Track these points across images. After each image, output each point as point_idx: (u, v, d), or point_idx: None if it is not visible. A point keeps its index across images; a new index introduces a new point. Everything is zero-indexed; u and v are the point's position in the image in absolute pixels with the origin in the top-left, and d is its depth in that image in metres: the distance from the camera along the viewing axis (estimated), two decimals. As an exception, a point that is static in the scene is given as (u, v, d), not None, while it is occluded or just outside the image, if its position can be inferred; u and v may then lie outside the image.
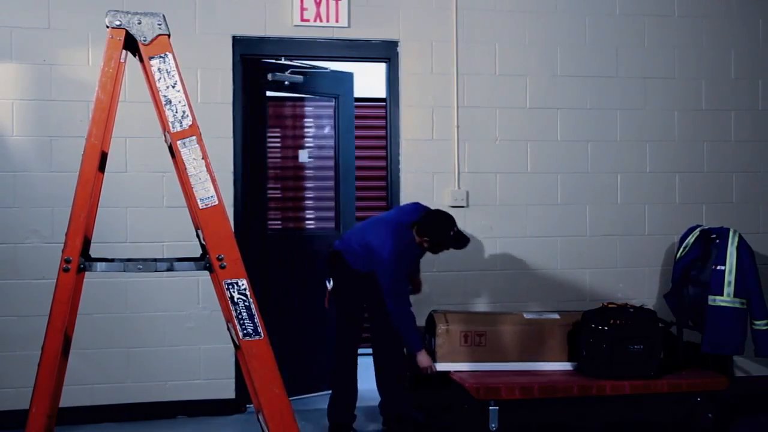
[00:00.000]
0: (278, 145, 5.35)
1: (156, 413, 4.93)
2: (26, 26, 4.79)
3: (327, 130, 5.48)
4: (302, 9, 5.05)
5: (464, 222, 5.23)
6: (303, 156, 5.34)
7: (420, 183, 5.22)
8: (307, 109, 5.48)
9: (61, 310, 2.26)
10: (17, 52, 4.78)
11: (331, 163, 5.48)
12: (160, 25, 2.36)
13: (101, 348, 4.84)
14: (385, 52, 5.21)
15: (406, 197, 5.19)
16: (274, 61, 5.17)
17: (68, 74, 4.84)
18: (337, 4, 5.08)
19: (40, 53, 4.81)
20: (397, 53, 5.21)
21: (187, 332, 4.96)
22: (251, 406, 4.72)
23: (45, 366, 2.25)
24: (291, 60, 5.17)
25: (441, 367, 4.66)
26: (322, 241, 5.28)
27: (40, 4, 4.80)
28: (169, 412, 4.96)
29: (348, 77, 5.53)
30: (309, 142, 5.44)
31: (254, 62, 5.12)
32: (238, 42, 5.04)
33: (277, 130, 5.38)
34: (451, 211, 5.15)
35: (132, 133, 4.78)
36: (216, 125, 4.92)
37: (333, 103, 5.42)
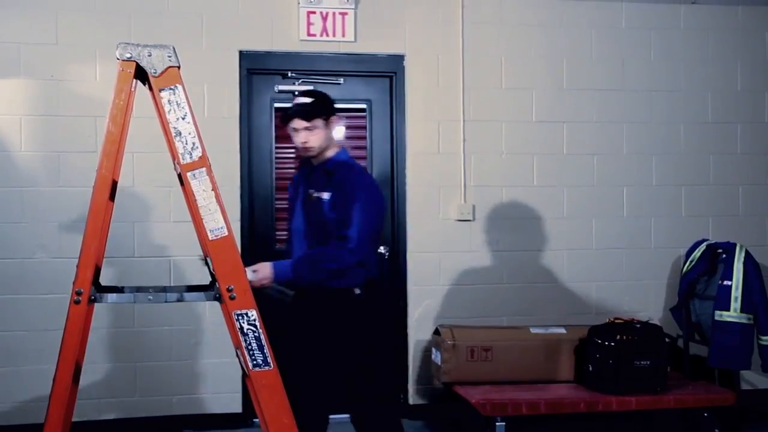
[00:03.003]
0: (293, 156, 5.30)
1: (163, 427, 4.94)
2: (34, 42, 4.80)
3: (354, 139, 5.35)
4: (308, 24, 5.06)
5: (471, 235, 5.25)
6: None
7: (426, 196, 5.23)
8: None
9: (72, 341, 2.28)
10: (25, 68, 4.80)
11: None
12: (170, 57, 2.38)
13: (108, 363, 4.86)
14: (391, 65, 5.22)
15: (411, 211, 5.21)
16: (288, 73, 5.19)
17: (76, 89, 4.85)
18: (343, 18, 5.09)
19: (48, 69, 4.82)
20: (403, 67, 5.22)
21: (193, 347, 4.98)
22: (257, 420, 4.73)
23: (56, 397, 2.27)
24: (297, 74, 5.17)
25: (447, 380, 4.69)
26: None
27: (48, 21, 4.82)
28: (176, 427, 4.96)
29: (381, 81, 5.32)
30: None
31: (261, 75, 5.14)
32: (244, 56, 5.06)
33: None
34: (458, 225, 5.22)
35: (139, 148, 4.76)
36: (223, 139, 4.94)
37: (365, 110, 5.32)
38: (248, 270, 2.95)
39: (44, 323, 4.77)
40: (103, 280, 2.56)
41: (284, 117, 3.59)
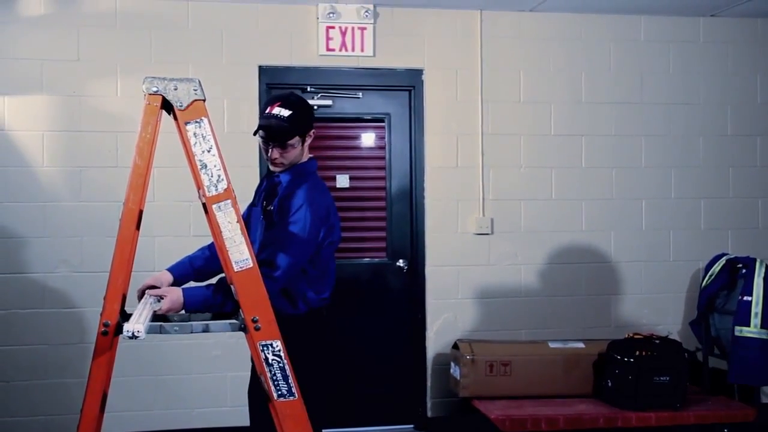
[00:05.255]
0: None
1: (183, 440, 4.99)
2: (56, 58, 4.84)
3: (372, 152, 5.39)
4: (328, 39, 5.09)
5: (489, 249, 5.26)
6: (342, 180, 5.31)
7: (444, 210, 5.24)
8: (348, 131, 5.40)
9: (99, 372, 2.30)
10: (47, 84, 4.84)
11: (377, 184, 5.37)
12: (195, 90, 2.40)
13: (129, 376, 4.88)
14: (409, 80, 5.24)
15: (430, 224, 5.23)
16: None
17: (97, 105, 4.89)
18: (362, 33, 5.11)
19: (70, 85, 4.86)
20: (422, 81, 5.24)
21: (213, 360, 5.01)
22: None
23: (84, 427, 2.30)
24: (317, 88, 5.20)
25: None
26: (362, 269, 5.34)
27: (69, 37, 4.86)
28: (196, 440, 5.01)
29: (400, 94, 5.33)
30: (350, 165, 5.35)
31: (281, 90, 5.15)
32: (264, 71, 5.09)
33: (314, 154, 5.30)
34: (476, 239, 5.23)
35: (159, 163, 4.71)
36: (242, 154, 4.96)
37: (383, 124, 5.33)
38: (148, 299, 2.72)
39: (66, 337, 4.83)
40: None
41: (258, 131, 3.11)
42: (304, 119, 3.11)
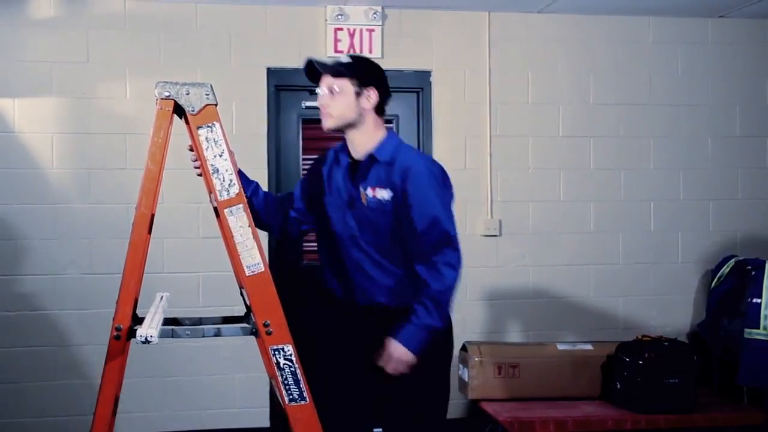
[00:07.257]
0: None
1: (192, 441, 5.00)
2: (66, 61, 4.86)
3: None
4: (336, 40, 5.09)
5: (497, 250, 5.26)
6: None
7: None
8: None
9: (112, 377, 2.31)
10: (57, 86, 4.85)
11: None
12: (207, 95, 2.40)
13: (138, 377, 4.86)
14: (417, 81, 5.24)
15: (438, 226, 5.22)
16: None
17: (106, 107, 4.90)
18: (370, 34, 5.12)
19: (79, 87, 4.87)
20: (430, 83, 5.24)
21: (222, 361, 5.01)
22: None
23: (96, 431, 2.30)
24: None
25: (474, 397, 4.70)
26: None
27: (79, 39, 4.87)
28: (205, 441, 5.02)
29: (408, 96, 5.32)
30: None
31: (289, 92, 5.17)
32: (272, 73, 5.09)
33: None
34: (484, 240, 5.23)
35: (168, 165, 4.79)
36: (251, 156, 4.96)
37: (391, 125, 5.29)
38: (160, 301, 2.66)
39: (75, 339, 4.84)
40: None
41: (308, 67, 2.80)
42: (362, 69, 2.79)
